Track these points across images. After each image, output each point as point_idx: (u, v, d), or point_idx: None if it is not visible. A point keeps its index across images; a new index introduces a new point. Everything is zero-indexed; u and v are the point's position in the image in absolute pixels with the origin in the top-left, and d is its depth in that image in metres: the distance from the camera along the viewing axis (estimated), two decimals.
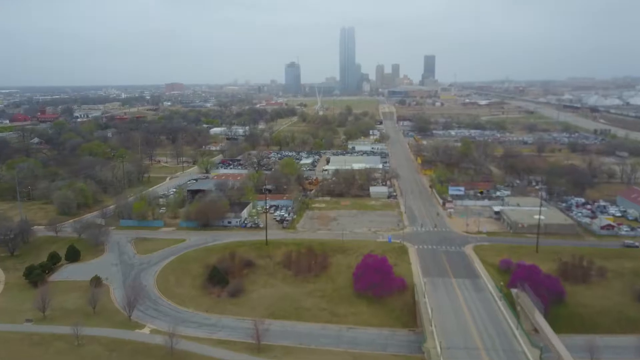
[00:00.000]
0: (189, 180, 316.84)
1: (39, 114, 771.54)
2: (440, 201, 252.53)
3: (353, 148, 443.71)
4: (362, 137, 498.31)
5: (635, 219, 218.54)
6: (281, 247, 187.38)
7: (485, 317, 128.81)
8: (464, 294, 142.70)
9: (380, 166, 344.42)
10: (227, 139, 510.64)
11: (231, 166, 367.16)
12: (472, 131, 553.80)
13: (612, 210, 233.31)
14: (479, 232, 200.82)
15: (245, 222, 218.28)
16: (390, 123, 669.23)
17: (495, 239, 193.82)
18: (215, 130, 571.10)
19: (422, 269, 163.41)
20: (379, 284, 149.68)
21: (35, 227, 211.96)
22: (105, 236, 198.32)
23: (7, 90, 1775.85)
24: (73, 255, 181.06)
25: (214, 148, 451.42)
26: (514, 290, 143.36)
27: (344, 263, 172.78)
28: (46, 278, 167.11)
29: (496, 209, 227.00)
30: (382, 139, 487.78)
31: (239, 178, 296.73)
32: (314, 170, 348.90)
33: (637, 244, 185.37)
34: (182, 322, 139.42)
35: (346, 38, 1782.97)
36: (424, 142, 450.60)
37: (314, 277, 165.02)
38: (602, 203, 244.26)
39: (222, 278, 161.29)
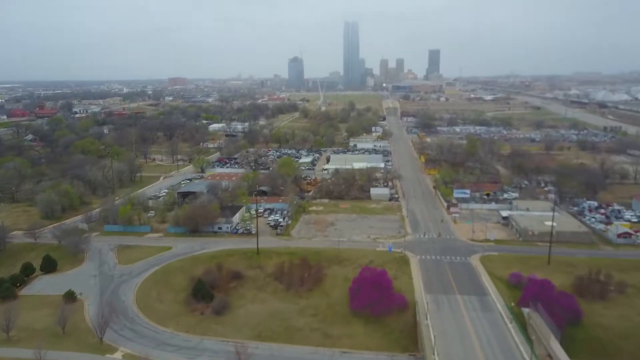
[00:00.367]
0: (183, 181, 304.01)
1: (38, 109, 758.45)
2: (445, 204, 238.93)
3: (355, 146, 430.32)
4: (365, 134, 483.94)
5: None
6: (273, 257, 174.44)
7: (494, 342, 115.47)
8: (470, 314, 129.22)
9: (382, 165, 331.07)
10: (226, 135, 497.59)
11: (228, 165, 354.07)
12: (478, 128, 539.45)
13: (628, 215, 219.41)
14: (486, 240, 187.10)
15: (237, 228, 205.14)
16: (394, 119, 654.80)
17: (504, 248, 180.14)
18: (215, 126, 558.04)
19: (425, 283, 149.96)
20: (377, 301, 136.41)
21: (15, 232, 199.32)
22: (85, 243, 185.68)
23: (10, 85, 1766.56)
24: (49, 266, 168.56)
25: (211, 145, 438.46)
26: (525, 311, 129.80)
27: (340, 275, 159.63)
28: (17, 292, 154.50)
29: (504, 214, 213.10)
30: (385, 136, 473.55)
31: (234, 178, 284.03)
32: (313, 169, 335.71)
33: None
34: (160, 345, 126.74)
35: (350, 32, 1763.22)
36: (428, 140, 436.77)
37: (307, 291, 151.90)
38: (616, 207, 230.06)
39: (207, 293, 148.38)
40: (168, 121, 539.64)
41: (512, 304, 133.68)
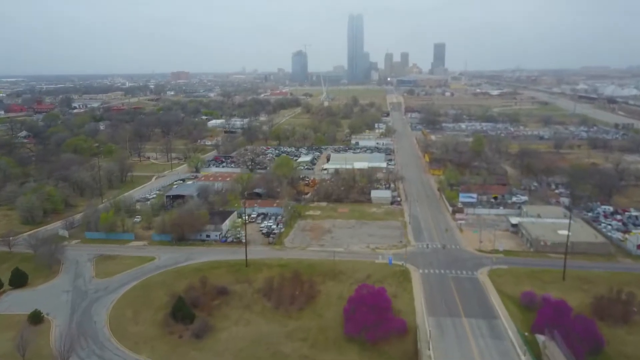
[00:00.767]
0: (175, 181, 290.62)
1: (36, 104, 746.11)
2: (450, 209, 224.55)
3: (357, 143, 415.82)
4: (367, 131, 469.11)
5: None
6: (263, 270, 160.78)
7: None
8: (478, 342, 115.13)
9: (385, 165, 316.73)
10: (225, 132, 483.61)
11: (224, 164, 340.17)
12: (484, 124, 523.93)
13: None
14: (495, 251, 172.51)
15: (226, 236, 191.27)
16: (398, 115, 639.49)
17: (514, 261, 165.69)
18: (214, 122, 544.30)
19: (427, 303, 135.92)
20: (374, 325, 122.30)
21: None
22: (61, 253, 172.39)
23: (13, 79, 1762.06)
24: (18, 280, 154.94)
25: (209, 143, 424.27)
26: (540, 338, 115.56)
27: (334, 292, 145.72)
28: None
29: (513, 220, 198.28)
30: (388, 132, 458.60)
31: (228, 179, 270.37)
32: (312, 169, 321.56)
33: None
34: None
35: (354, 26, 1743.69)
36: (433, 137, 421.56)
37: (297, 311, 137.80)
38: (633, 213, 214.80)
39: (187, 313, 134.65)
40: (166, 117, 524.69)
41: (526, 334, 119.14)
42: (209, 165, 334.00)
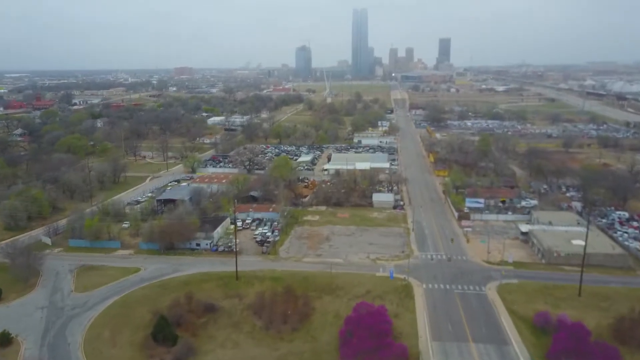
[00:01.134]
0: (170, 182, 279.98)
1: (35, 100, 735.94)
2: (455, 214, 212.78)
3: (359, 142, 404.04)
4: (370, 129, 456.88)
5: None
6: (255, 284, 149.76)
7: None
8: None
9: (388, 165, 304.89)
10: (225, 130, 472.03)
11: (222, 164, 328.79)
12: (490, 122, 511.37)
13: None
14: (504, 263, 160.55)
15: (217, 245, 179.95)
16: (402, 112, 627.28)
17: (525, 274, 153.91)
18: (214, 119, 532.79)
19: (431, 324, 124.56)
20: (373, 351, 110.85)
21: None
22: (40, 263, 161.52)
23: (17, 75, 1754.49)
24: None
25: (207, 141, 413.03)
26: None
27: (331, 310, 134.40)
28: None
29: (523, 228, 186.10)
30: (392, 130, 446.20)
31: (224, 181, 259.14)
32: (312, 169, 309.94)
33: None
34: None
35: (359, 20, 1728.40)
36: (437, 136, 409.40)
37: (290, 332, 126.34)
38: None
39: (169, 333, 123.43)
40: (164, 114, 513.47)
41: None
42: (206, 165, 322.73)
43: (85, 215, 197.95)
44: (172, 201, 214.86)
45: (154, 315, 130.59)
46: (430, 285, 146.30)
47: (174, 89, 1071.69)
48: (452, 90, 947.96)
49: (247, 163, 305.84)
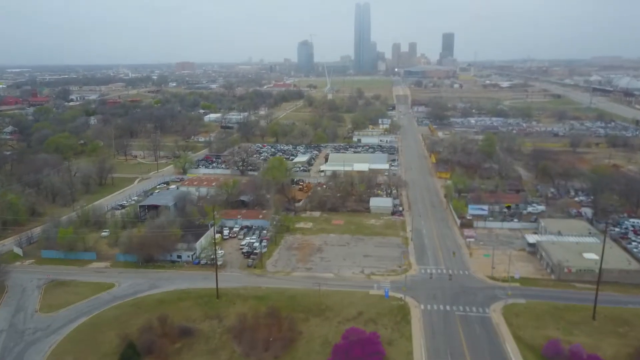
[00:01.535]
0: (158, 185, 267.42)
1: (31, 97, 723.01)
2: (458, 222, 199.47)
3: (359, 140, 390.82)
4: (371, 127, 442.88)
5: None
6: (237, 303, 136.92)
7: None
8: None
9: (387, 167, 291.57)
10: (222, 127, 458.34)
11: (215, 164, 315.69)
12: (494, 119, 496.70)
13: None
14: (510, 278, 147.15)
15: (200, 257, 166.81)
16: (404, 108, 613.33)
17: (533, 292, 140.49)
18: (211, 116, 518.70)
19: (429, 353, 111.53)
20: None
21: None
22: (6, 278, 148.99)
23: (18, 70, 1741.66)
24: None
25: (202, 139, 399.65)
26: None
27: (318, 335, 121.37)
28: None
29: (530, 239, 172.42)
30: (393, 128, 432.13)
31: (214, 184, 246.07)
32: (308, 170, 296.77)
33: None
34: None
35: (361, 14, 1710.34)
36: (440, 134, 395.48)
37: None
38: None
39: None
40: (159, 112, 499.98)
41: None
42: (198, 165, 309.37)
43: (62, 223, 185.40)
44: (156, 207, 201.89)
45: (123, 340, 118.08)
46: (429, 306, 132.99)
47: (174, 84, 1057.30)
48: (456, 85, 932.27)
49: (240, 164, 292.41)
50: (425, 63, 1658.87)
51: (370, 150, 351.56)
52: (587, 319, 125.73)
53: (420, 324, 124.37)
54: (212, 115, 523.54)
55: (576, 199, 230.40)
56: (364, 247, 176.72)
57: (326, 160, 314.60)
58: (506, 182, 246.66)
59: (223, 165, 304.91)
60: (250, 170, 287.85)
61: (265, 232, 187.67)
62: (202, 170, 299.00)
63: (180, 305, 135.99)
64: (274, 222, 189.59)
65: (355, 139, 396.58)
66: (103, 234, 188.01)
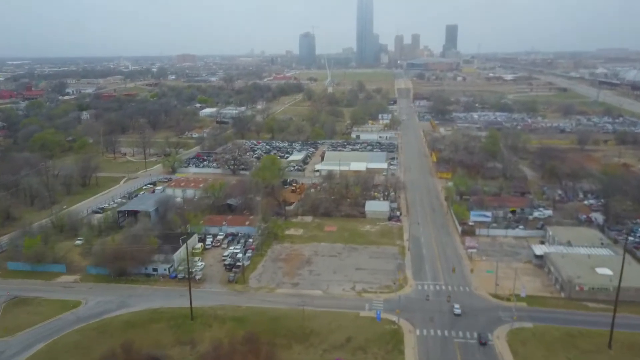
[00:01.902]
0: (145, 185, 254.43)
1: (25, 90, 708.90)
2: (459, 228, 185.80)
3: (357, 137, 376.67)
4: (371, 122, 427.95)
5: None
6: (213, 326, 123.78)
7: None
8: None
9: (386, 166, 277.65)
10: (217, 122, 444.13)
11: (206, 162, 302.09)
12: (498, 114, 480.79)
13: None
14: (515, 297, 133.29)
15: (177, 270, 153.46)
16: (406, 102, 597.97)
17: (541, 314, 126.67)
18: (207, 111, 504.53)
19: None
20: None
21: None
22: None
23: (19, 62, 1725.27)
24: None
25: (196, 135, 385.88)
26: None
27: None
28: None
29: (537, 250, 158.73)
30: (393, 124, 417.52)
31: (201, 185, 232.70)
32: (303, 170, 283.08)
33: None
34: None
35: (364, 6, 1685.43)
36: (442, 130, 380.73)
37: None
38: None
39: None
40: (153, 106, 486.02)
41: None
42: (188, 164, 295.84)
43: (33, 230, 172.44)
44: (136, 213, 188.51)
45: None
46: (425, 332, 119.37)
47: (173, 77, 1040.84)
48: (459, 78, 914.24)
49: (231, 162, 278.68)
50: (428, 55, 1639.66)
51: (369, 148, 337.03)
52: (602, 347, 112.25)
53: (414, 353, 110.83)
54: (208, 110, 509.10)
55: (585, 202, 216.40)
56: (357, 258, 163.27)
57: (322, 158, 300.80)
58: (511, 184, 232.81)
59: (214, 164, 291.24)
60: (242, 169, 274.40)
61: (251, 240, 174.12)
62: (192, 170, 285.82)
63: (150, 328, 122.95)
64: (260, 231, 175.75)
65: (353, 135, 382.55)
66: (77, 242, 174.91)
